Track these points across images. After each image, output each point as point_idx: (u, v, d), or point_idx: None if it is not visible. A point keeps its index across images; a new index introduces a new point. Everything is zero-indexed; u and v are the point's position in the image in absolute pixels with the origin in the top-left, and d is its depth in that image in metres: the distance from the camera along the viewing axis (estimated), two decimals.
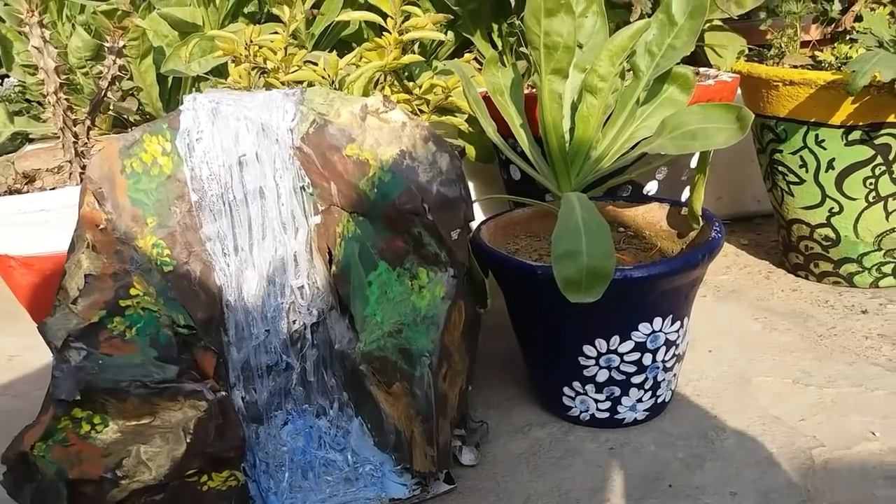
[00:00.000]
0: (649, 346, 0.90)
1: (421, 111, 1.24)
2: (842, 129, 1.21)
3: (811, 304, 1.29)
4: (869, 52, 1.11)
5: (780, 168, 1.31)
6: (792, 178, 1.30)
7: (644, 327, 0.89)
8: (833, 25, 1.45)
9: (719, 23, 1.68)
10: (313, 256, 0.86)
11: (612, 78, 0.89)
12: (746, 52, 1.51)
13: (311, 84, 1.05)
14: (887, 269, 1.31)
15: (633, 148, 0.97)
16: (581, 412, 0.95)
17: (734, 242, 1.60)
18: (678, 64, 1.03)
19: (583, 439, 0.94)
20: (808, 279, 1.38)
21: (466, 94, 0.93)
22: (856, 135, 1.20)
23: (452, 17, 1.47)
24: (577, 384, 0.94)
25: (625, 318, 0.88)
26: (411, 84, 1.27)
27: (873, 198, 1.24)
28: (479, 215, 1.53)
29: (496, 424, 0.98)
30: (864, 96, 1.17)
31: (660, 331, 0.90)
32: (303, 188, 0.85)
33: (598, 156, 0.96)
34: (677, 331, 0.92)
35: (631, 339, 0.89)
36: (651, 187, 1.19)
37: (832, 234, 1.30)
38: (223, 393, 0.76)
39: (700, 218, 0.97)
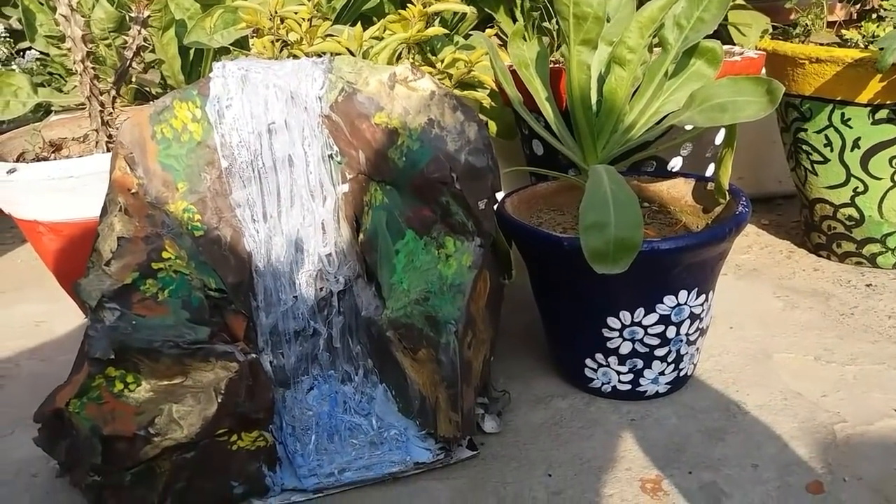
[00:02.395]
0: (674, 318, 0.90)
1: (443, 83, 1.24)
2: (868, 108, 1.20)
3: (833, 283, 1.28)
4: None
5: (805, 147, 1.30)
6: (816, 157, 1.29)
7: (669, 300, 0.89)
8: (860, 4, 1.43)
9: (743, 2, 1.66)
10: (340, 225, 0.87)
11: (642, 50, 0.88)
12: (771, 30, 1.50)
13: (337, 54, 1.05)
14: None
15: (661, 121, 0.97)
16: (603, 384, 0.96)
17: (755, 223, 1.60)
18: (706, 38, 1.02)
19: (604, 411, 0.94)
20: (830, 259, 1.37)
21: (493, 66, 0.93)
22: (883, 113, 1.19)
23: None
24: (599, 356, 0.94)
25: (650, 290, 0.88)
26: (433, 58, 1.26)
27: None
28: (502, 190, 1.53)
29: (518, 395, 0.99)
30: (892, 74, 1.15)
31: (685, 304, 0.90)
32: (331, 156, 0.85)
33: (625, 128, 0.96)
34: (702, 304, 0.92)
35: (656, 311, 0.89)
36: (675, 163, 1.18)
37: (856, 214, 1.29)
38: (254, 355, 0.77)
39: (727, 193, 0.97)
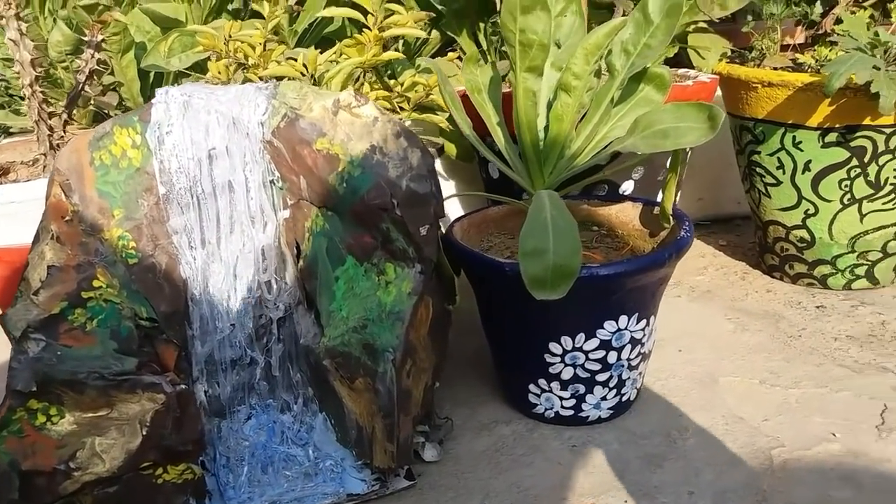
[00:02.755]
0: (614, 343, 0.90)
1: (402, 108, 1.24)
2: (818, 131, 1.21)
3: (784, 305, 1.28)
4: (845, 55, 1.10)
5: (758, 169, 1.31)
6: (769, 179, 1.30)
7: (610, 325, 0.88)
8: (815, 28, 1.44)
9: (704, 25, 1.67)
10: (282, 251, 0.86)
11: (587, 76, 0.88)
12: (729, 53, 1.51)
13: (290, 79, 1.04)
14: (860, 271, 1.31)
15: (606, 147, 0.97)
16: (546, 409, 0.95)
17: (713, 244, 1.60)
18: (655, 64, 1.02)
19: (547, 437, 0.93)
20: (783, 280, 1.38)
21: (442, 91, 0.93)
22: (832, 137, 1.20)
23: (435, 15, 1.46)
24: (542, 381, 0.93)
25: (591, 315, 0.88)
26: (393, 81, 1.26)
27: (848, 200, 1.24)
28: (458, 212, 1.53)
29: (463, 421, 0.98)
30: (840, 98, 1.16)
31: (625, 329, 0.89)
32: (272, 182, 0.84)
33: (571, 154, 0.95)
34: (643, 329, 0.91)
35: (596, 336, 0.89)
36: (627, 187, 1.18)
37: (807, 236, 1.30)
38: (183, 386, 0.75)
39: (671, 217, 0.97)
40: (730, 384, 1.03)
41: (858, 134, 1.18)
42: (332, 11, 1.09)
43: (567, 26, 1.03)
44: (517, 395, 0.98)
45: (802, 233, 1.30)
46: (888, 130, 1.17)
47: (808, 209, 1.27)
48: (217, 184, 0.87)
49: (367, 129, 0.79)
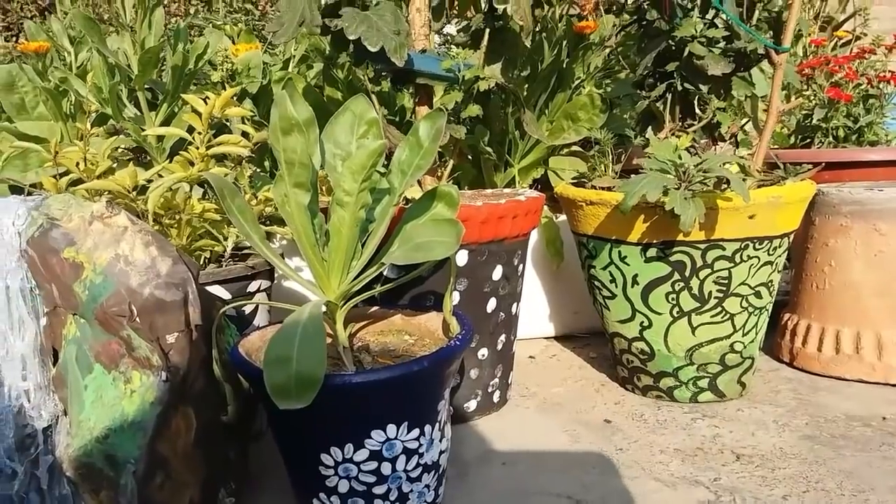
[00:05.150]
0: (386, 454, 0.85)
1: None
2: (639, 246, 1.21)
3: (627, 417, 1.24)
4: (641, 175, 1.13)
5: (596, 283, 1.31)
6: (606, 292, 1.29)
7: (377, 435, 0.84)
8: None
9: (579, 148, 1.74)
10: (43, 359, 0.84)
11: (358, 193, 0.89)
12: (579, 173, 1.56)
13: (111, 193, 1.06)
14: (703, 383, 1.27)
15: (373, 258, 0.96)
16: None
17: (584, 356, 1.57)
18: (446, 184, 1.05)
19: None
20: (634, 392, 1.34)
21: (230, 205, 0.94)
22: (652, 252, 1.21)
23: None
24: (322, 495, 0.88)
25: (355, 425, 0.84)
26: (248, 196, 1.28)
27: (677, 312, 1.23)
28: None
29: None
30: (652, 216, 1.18)
31: (395, 439, 0.85)
32: (31, 290, 0.83)
33: (359, 265, 0.95)
34: (417, 439, 0.87)
35: (365, 447, 0.84)
36: (453, 298, 1.17)
37: (647, 348, 1.28)
38: None
39: (454, 325, 0.95)
40: (537, 501, 0.98)
41: (676, 249, 1.19)
42: (160, 131, 1.12)
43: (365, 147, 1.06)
44: None
45: (642, 345, 1.28)
46: (702, 246, 1.18)
47: (642, 321, 1.26)
48: None
49: (115, 238, 0.80)
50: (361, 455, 0.84)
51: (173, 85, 1.31)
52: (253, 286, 1.09)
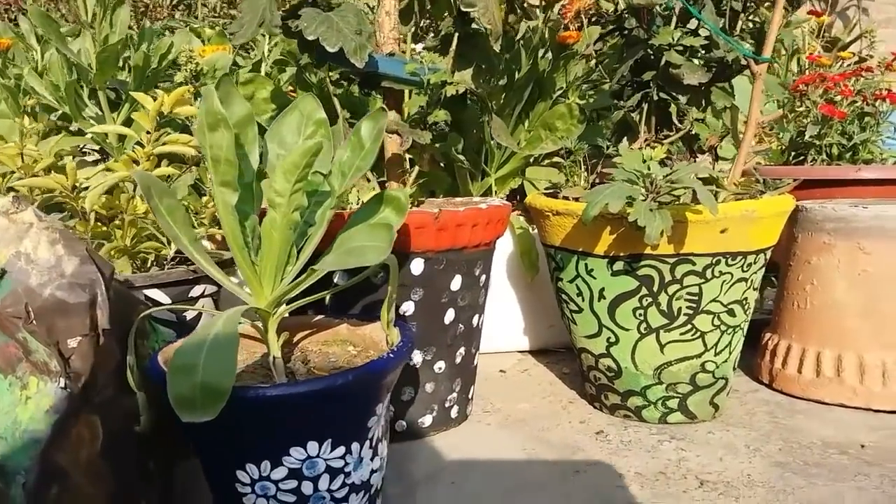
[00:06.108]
0: (307, 473, 0.78)
1: (202, 223, 1.20)
2: (606, 259, 1.14)
3: (590, 437, 1.16)
4: (604, 185, 1.06)
5: (563, 296, 1.23)
6: (573, 306, 1.22)
7: (297, 452, 0.77)
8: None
9: (560, 158, 1.67)
10: None
11: (290, 194, 0.83)
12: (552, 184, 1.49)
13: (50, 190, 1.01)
14: (672, 403, 1.19)
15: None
16: None
17: (556, 371, 1.50)
18: (397, 188, 0.98)
19: None
20: (602, 411, 1.26)
21: (157, 204, 0.88)
22: (619, 265, 1.13)
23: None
24: None
25: (272, 441, 0.77)
26: (205, 199, 1.23)
27: (645, 329, 1.15)
28: None
29: None
30: (619, 227, 1.11)
31: (317, 457, 0.78)
32: None
33: (293, 270, 0.89)
34: (343, 457, 0.80)
35: (283, 464, 0.77)
36: (407, 308, 1.10)
37: (614, 366, 1.20)
38: None
39: (394, 336, 0.89)
40: None
41: (643, 263, 1.12)
42: (105, 129, 1.07)
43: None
44: None
45: (609, 362, 1.20)
46: (671, 260, 1.11)
47: (609, 337, 1.18)
48: None
49: (18, 235, 0.74)
50: (279, 473, 0.78)
51: (135, 84, 1.26)
52: (196, 291, 1.03)
